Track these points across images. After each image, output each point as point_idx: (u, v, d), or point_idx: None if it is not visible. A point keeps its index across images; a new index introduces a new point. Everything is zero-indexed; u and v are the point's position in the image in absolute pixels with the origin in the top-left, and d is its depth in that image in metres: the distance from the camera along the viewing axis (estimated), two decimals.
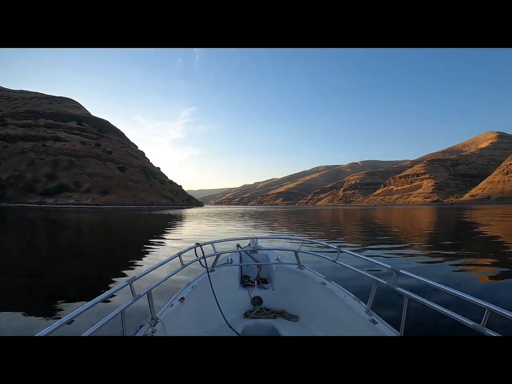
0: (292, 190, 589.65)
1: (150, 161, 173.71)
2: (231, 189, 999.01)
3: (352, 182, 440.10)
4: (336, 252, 2.26)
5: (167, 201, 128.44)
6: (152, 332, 1.49)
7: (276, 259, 2.99)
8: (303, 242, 2.82)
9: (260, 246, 3.30)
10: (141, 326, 1.56)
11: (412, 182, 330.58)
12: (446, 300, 3.44)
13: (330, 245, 2.57)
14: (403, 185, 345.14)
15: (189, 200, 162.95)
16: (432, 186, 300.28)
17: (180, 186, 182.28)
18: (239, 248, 3.04)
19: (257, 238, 3.35)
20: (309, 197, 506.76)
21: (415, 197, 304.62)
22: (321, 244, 2.72)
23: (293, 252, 2.80)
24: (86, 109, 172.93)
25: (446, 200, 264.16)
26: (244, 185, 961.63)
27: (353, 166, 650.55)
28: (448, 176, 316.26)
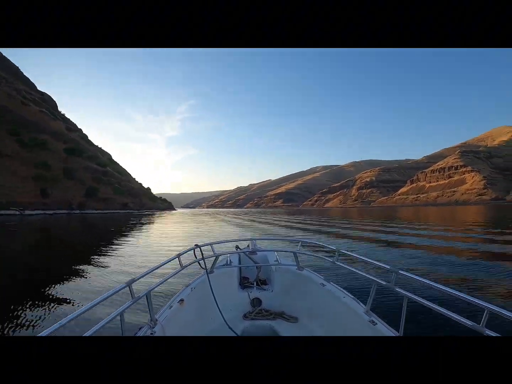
0: (293, 191, 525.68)
1: (53, 115, 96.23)
2: (224, 191, 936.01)
3: (367, 180, 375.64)
4: (335, 253, 2.22)
5: None
6: (151, 334, 1.49)
7: (275, 260, 2.92)
8: (302, 243, 2.77)
9: (259, 247, 3.31)
10: (140, 328, 1.55)
11: (451, 177, 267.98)
12: (446, 300, 3.08)
13: (329, 246, 2.51)
14: (438, 181, 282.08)
15: (94, 193, 74.28)
16: (482, 180, 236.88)
17: (124, 171, 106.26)
18: (238, 249, 3.00)
19: (256, 239, 3.33)
20: (315, 198, 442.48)
21: (462, 194, 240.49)
22: (320, 245, 2.65)
23: (292, 253, 2.75)
24: None
25: None
26: (239, 187, 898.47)
27: (355, 165, 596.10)
28: (490, 169, 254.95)
